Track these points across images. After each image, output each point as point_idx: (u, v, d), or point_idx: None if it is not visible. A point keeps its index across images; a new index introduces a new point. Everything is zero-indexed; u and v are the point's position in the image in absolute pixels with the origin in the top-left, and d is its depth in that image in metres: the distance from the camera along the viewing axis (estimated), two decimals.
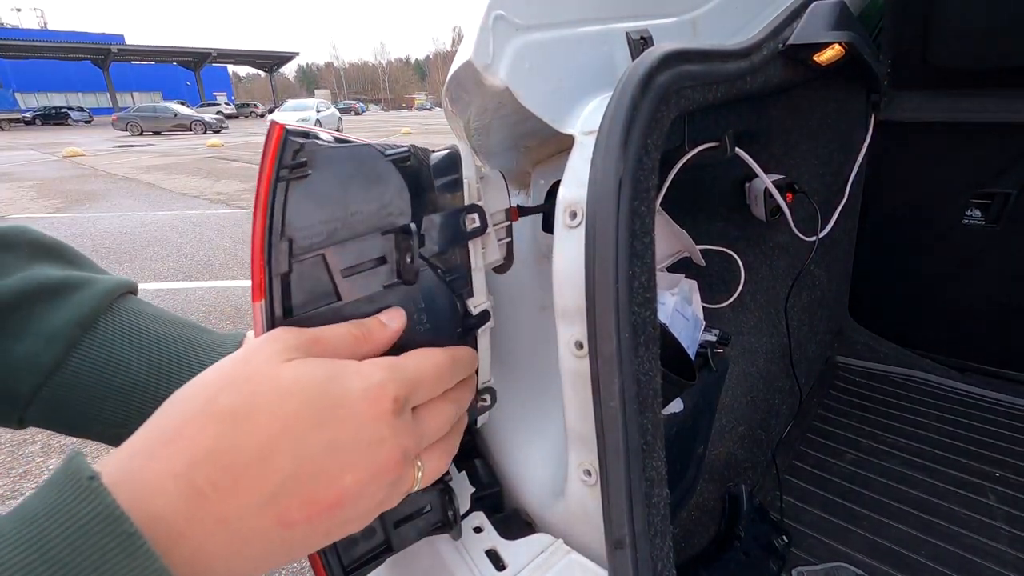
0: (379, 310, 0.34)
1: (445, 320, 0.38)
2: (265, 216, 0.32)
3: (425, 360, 0.33)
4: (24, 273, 0.34)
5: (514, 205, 0.45)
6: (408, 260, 0.35)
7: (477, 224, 0.40)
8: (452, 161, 0.41)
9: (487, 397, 0.45)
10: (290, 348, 0.28)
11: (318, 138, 0.34)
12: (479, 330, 0.41)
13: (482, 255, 0.42)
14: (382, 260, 0.36)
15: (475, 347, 0.41)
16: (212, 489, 0.24)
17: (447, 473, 0.44)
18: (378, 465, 0.28)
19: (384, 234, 0.35)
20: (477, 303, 0.40)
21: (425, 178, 0.39)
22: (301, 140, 0.32)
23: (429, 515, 0.42)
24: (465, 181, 0.40)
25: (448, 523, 0.42)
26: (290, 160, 0.32)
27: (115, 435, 0.37)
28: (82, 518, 0.21)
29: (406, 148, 0.38)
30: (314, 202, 0.33)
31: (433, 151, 0.42)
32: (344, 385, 0.28)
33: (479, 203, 0.40)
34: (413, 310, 0.36)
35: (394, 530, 0.40)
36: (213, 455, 0.24)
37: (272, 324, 0.32)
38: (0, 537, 0.20)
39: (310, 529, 0.27)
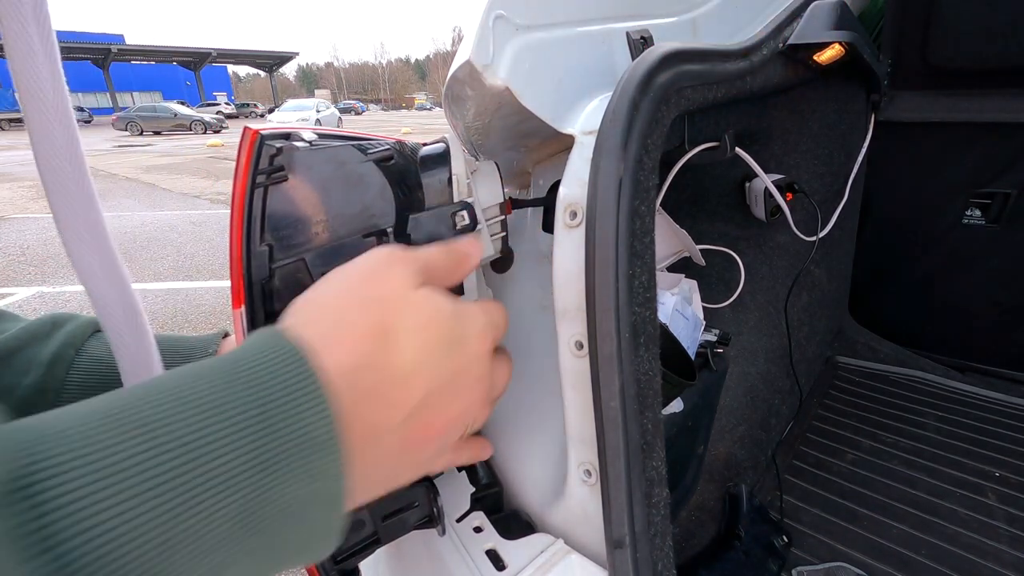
0: None
1: None
2: (242, 222, 0.32)
3: (501, 312, 0.34)
4: (21, 324, 0.40)
5: (508, 198, 0.44)
6: None
7: (467, 222, 0.39)
8: (441, 157, 0.40)
9: None
10: (415, 273, 0.29)
11: (299, 140, 0.33)
12: None
13: None
14: None
15: None
16: (366, 399, 0.24)
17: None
18: (476, 398, 0.30)
19: (366, 236, 0.35)
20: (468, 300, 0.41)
21: (412, 176, 0.39)
22: (278, 144, 0.32)
23: (416, 510, 0.42)
24: (454, 177, 0.39)
25: (434, 518, 0.43)
26: (267, 165, 0.32)
27: None
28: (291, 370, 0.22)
29: (389, 147, 0.37)
30: (293, 206, 0.33)
31: (424, 144, 0.41)
32: (465, 322, 0.29)
33: (469, 200, 0.40)
34: None
35: (382, 523, 0.40)
36: (366, 368, 0.24)
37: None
38: (211, 370, 0.21)
39: (419, 456, 0.28)
